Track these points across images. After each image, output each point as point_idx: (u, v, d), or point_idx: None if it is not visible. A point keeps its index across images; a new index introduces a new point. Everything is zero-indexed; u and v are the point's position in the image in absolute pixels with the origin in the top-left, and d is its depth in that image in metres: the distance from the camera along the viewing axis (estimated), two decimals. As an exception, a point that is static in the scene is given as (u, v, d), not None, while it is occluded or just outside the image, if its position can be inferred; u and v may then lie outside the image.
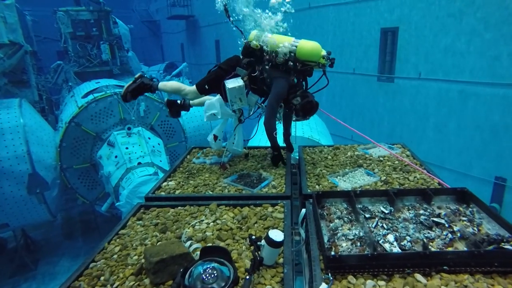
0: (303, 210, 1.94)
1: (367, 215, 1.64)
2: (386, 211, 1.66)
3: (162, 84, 2.72)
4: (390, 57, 8.66)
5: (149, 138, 7.46)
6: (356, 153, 2.78)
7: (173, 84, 2.74)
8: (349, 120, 9.08)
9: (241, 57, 2.63)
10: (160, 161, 7.15)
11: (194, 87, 2.63)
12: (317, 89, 2.55)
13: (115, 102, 7.42)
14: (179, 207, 1.90)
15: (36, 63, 13.76)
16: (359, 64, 9.30)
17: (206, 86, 2.58)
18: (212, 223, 1.72)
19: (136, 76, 2.79)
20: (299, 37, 2.58)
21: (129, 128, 7.25)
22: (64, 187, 7.76)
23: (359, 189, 2.11)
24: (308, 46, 2.40)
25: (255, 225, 1.71)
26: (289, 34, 2.57)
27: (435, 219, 1.54)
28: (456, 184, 2.15)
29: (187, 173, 2.41)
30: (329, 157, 2.72)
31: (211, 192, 2.09)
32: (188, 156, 2.78)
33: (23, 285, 7.29)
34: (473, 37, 6.55)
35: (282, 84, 2.43)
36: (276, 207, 1.88)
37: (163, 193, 2.11)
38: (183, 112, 2.90)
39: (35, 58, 13.11)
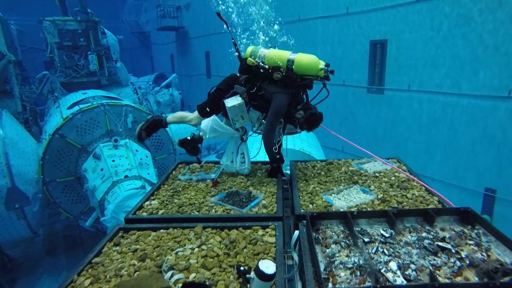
0: (296, 232, 1.80)
1: (366, 239, 1.51)
2: (387, 235, 1.53)
3: (169, 117, 2.84)
4: (380, 69, 8.74)
5: (137, 151, 7.26)
6: (350, 168, 2.67)
7: (177, 114, 2.85)
8: (338, 132, 9.03)
9: (238, 74, 2.63)
10: (148, 174, 6.94)
11: (196, 112, 2.66)
12: (317, 101, 2.53)
13: (102, 113, 7.22)
14: (162, 230, 1.73)
15: (22, 73, 13.42)
16: (349, 76, 9.34)
17: (208, 109, 2.59)
18: (197, 249, 1.56)
19: (148, 118, 2.94)
20: (290, 49, 2.56)
21: (115, 140, 7.04)
22: (46, 202, 7.43)
23: (356, 208, 1.98)
24: (305, 59, 2.38)
25: (244, 250, 1.56)
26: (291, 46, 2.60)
27: (440, 243, 1.42)
28: (447, 195, 2.07)
29: (171, 191, 2.24)
30: (323, 173, 2.60)
31: (196, 213, 1.92)
32: (173, 172, 2.61)
33: (-2, 308, 6.87)
34: (461, 50, 6.65)
35: (281, 99, 2.38)
36: (267, 229, 1.73)
37: (145, 213, 1.93)
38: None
39: (20, 68, 12.79)
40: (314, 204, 2.06)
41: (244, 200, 2.07)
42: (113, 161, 6.71)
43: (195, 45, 18.04)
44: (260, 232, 1.70)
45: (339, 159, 2.91)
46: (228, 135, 2.59)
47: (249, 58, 2.47)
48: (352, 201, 2.11)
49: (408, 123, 8.01)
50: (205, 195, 2.17)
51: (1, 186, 6.44)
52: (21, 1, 18.73)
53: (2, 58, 9.61)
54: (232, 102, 2.45)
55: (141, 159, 7.07)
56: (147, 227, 1.75)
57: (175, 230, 1.72)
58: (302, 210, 1.96)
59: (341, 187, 2.33)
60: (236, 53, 2.61)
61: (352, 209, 1.98)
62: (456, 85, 6.82)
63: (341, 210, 1.97)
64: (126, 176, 6.53)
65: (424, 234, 1.51)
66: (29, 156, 7.11)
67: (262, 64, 2.45)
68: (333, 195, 2.24)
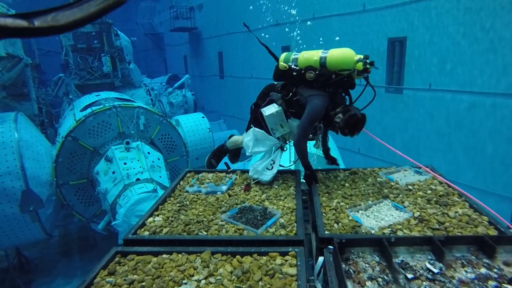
0: (321, 259, 1.54)
1: (409, 275, 1.23)
2: (435, 270, 1.25)
3: (228, 143, 2.90)
4: (399, 67, 8.34)
5: (149, 153, 7.14)
6: (378, 179, 2.37)
7: (232, 139, 2.88)
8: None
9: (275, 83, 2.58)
10: (160, 176, 6.82)
11: (245, 133, 2.65)
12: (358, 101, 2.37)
13: (114, 116, 7.14)
14: (164, 255, 1.50)
15: (40, 76, 13.69)
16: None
17: (252, 125, 2.55)
18: (203, 281, 1.32)
19: (216, 148, 3.02)
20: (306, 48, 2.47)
21: (127, 143, 6.94)
22: (60, 204, 7.42)
23: (389, 230, 1.70)
24: (338, 52, 2.23)
25: (260, 283, 1.31)
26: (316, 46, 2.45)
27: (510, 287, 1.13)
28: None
29: (178, 204, 2.01)
30: (347, 184, 2.31)
31: (205, 233, 1.68)
32: (181, 182, 2.38)
33: (14, 309, 6.91)
34: (484, 47, 6.20)
35: (316, 102, 2.19)
36: (287, 257, 1.47)
37: (147, 232, 1.71)
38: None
39: (38, 71, 13.03)
40: (340, 224, 1.79)
41: (259, 217, 1.82)
42: (125, 163, 6.62)
43: (208, 45, 17.96)
44: (279, 260, 1.45)
45: (365, 168, 2.61)
46: (271, 146, 2.45)
47: (281, 63, 2.38)
48: (384, 220, 1.83)
49: (429, 124, 7.57)
50: (215, 210, 1.93)
51: (15, 188, 6.44)
52: (38, 5, 19.21)
53: (20, 62, 9.73)
54: (269, 110, 2.36)
55: (153, 162, 6.95)
56: (148, 251, 1.52)
57: (179, 255, 1.49)
58: (326, 232, 1.69)
59: (370, 202, 2.04)
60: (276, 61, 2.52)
61: (384, 230, 1.70)
62: (485, 83, 6.36)
63: (372, 231, 1.69)
64: (137, 179, 6.42)
65: (483, 271, 1.22)
66: (43, 158, 7.10)
67: (294, 67, 2.35)
68: (360, 212, 1.96)
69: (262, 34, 12.54)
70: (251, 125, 2.55)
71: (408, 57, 7.94)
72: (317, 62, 2.26)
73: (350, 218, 1.87)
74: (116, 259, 1.50)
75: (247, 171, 2.46)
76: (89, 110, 7.10)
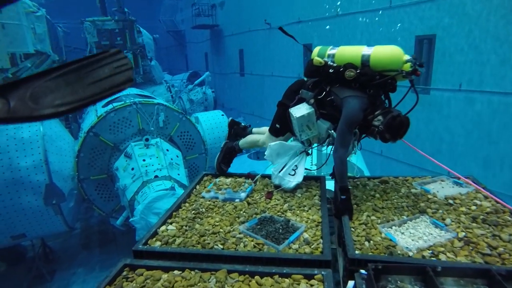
0: (351, 284, 1.36)
1: (461, 316, 1.03)
2: (495, 312, 1.05)
3: (241, 142, 2.65)
4: (426, 66, 7.91)
5: (167, 150, 7.14)
6: (412, 190, 2.14)
7: (248, 139, 2.63)
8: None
9: (305, 79, 2.33)
10: (178, 174, 6.79)
11: (267, 133, 2.43)
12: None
13: (134, 112, 7.17)
14: (176, 271, 1.37)
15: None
16: (392, 74, 8.57)
17: (277, 125, 2.34)
18: (218, 305, 1.18)
19: (222, 145, 2.74)
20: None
21: (147, 139, 6.96)
22: (81, 198, 7.57)
23: (429, 252, 1.48)
24: (385, 50, 1.97)
25: (282, 312, 1.15)
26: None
27: None
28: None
29: (193, 212, 1.88)
30: (377, 195, 2.10)
31: (221, 247, 1.54)
32: (197, 187, 2.25)
33: (39, 297, 7.13)
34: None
35: (354, 104, 1.94)
36: (312, 281, 1.30)
37: (158, 242, 1.59)
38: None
39: (64, 67, 13.40)
40: (372, 242, 1.59)
41: (280, 231, 1.65)
42: (144, 160, 6.64)
43: (229, 43, 17.90)
44: (303, 284, 1.28)
45: (396, 177, 2.38)
46: (293, 153, 2.25)
47: (316, 58, 2.10)
48: (422, 239, 1.61)
49: (459, 127, 7.11)
50: (233, 221, 1.78)
51: (40, 182, 6.60)
52: (69, 5, 19.92)
53: (47, 58, 10.01)
54: (299, 111, 2.12)
55: (171, 159, 6.94)
56: (158, 265, 1.39)
57: (192, 272, 1.35)
58: (357, 251, 1.50)
59: (405, 217, 1.82)
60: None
61: (424, 252, 1.49)
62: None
63: (410, 253, 1.49)
64: (156, 176, 6.42)
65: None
66: (66, 153, 7.24)
67: (332, 63, 2.08)
68: (394, 228, 1.75)
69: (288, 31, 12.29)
70: (276, 125, 2.33)
71: (437, 55, 7.50)
72: (358, 59, 1.99)
73: (383, 235, 1.67)
74: (124, 272, 1.38)
75: (269, 176, 2.30)
76: (110, 106, 7.17)
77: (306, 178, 2.35)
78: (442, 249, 1.50)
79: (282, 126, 2.31)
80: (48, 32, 10.20)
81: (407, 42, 8.03)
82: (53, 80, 0.63)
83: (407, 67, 1.90)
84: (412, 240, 1.64)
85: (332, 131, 2.12)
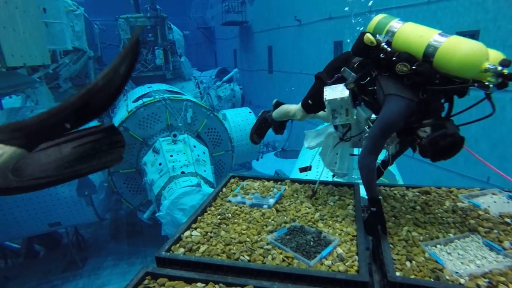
0: (393, 313, 1.19)
1: None
2: None
3: (274, 113, 2.35)
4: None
5: (194, 146, 7.18)
6: (459, 204, 1.91)
7: (281, 108, 2.30)
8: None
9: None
10: (204, 171, 6.81)
11: (299, 105, 2.13)
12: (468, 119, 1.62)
13: (163, 108, 7.28)
14: (199, 284, 1.28)
15: (102, 68, 14.68)
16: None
17: (310, 101, 2.03)
18: (243, 328, 1.07)
19: (259, 115, 2.51)
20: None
21: (174, 135, 7.03)
22: (111, 191, 7.82)
23: (486, 280, 1.28)
24: (460, 49, 1.42)
25: None
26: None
27: None
28: None
29: (219, 217, 1.78)
30: (418, 207, 1.89)
31: (247, 258, 1.43)
32: (224, 189, 2.16)
33: (72, 282, 7.53)
34: None
35: (396, 108, 1.55)
36: (348, 306, 1.16)
37: (182, 249, 1.51)
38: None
39: (100, 63, 14.00)
40: (414, 262, 1.41)
41: (312, 243, 1.51)
42: (171, 156, 6.72)
43: (258, 39, 17.80)
44: (338, 310, 1.15)
45: (438, 187, 2.15)
46: (327, 135, 2.04)
47: (367, 35, 1.67)
48: (474, 263, 1.41)
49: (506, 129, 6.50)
50: (260, 229, 1.66)
51: (74, 173, 6.89)
52: (106, 3, 20.78)
53: (83, 55, 10.43)
54: (332, 93, 1.82)
55: (198, 156, 6.97)
56: (181, 276, 1.31)
57: (217, 286, 1.26)
58: (397, 273, 1.33)
59: (451, 235, 1.62)
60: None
61: (478, 280, 1.29)
62: None
63: (461, 281, 1.30)
64: (182, 172, 6.47)
65: None
66: (98, 146, 7.50)
67: (386, 46, 1.63)
68: (439, 247, 1.55)
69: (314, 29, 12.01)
70: (309, 100, 2.02)
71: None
72: (421, 49, 1.52)
73: (427, 255, 1.48)
74: (146, 281, 1.31)
75: (298, 181, 2.16)
76: (140, 102, 7.32)
77: (338, 185, 2.18)
78: (503, 278, 1.29)
79: (314, 103, 2.00)
80: (85, 29, 10.62)
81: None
82: (42, 151, 0.59)
83: (487, 77, 1.39)
84: (462, 263, 1.44)
85: (372, 123, 1.83)
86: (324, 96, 1.84)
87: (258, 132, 2.43)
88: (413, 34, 1.57)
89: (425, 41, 1.51)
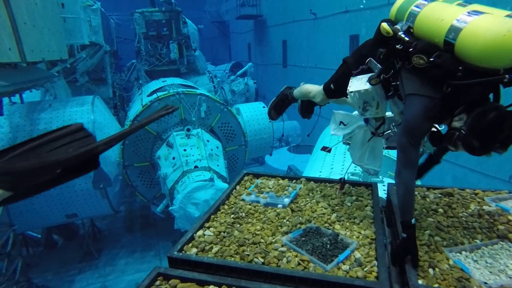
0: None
1: None
2: None
3: (295, 91, 2.21)
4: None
5: (208, 141, 7.18)
6: (485, 207, 1.79)
7: (302, 88, 2.15)
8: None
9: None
10: (218, 165, 6.80)
11: (321, 88, 1.98)
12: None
13: (177, 102, 7.29)
14: (211, 286, 1.23)
15: (118, 62, 14.90)
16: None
17: (332, 86, 1.86)
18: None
19: (281, 90, 2.34)
20: None
21: (188, 130, 7.05)
22: (125, 184, 7.94)
23: (521, 293, 1.19)
24: (486, 33, 1.12)
25: None
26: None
27: None
28: None
29: (232, 216, 1.73)
30: (440, 209, 1.78)
31: (261, 260, 1.37)
32: (237, 187, 2.10)
33: (88, 272, 7.74)
34: None
35: (417, 109, 1.34)
36: (368, 316, 1.09)
37: (194, 249, 1.46)
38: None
39: (116, 57, 14.18)
40: (438, 269, 1.32)
41: (328, 246, 1.44)
42: (185, 150, 6.74)
43: (272, 33, 17.59)
44: (357, 321, 1.08)
45: (462, 189, 2.03)
46: (357, 127, 1.91)
47: (384, 24, 1.50)
48: (505, 273, 1.30)
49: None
50: (275, 230, 1.59)
51: (90, 166, 7.02)
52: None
53: (100, 49, 10.57)
54: (356, 85, 1.66)
55: (211, 150, 6.97)
56: (193, 277, 1.27)
57: (228, 290, 1.21)
58: (420, 281, 1.25)
59: (478, 241, 1.51)
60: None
61: (511, 292, 1.20)
62: None
63: (492, 292, 1.20)
64: (196, 167, 6.48)
65: None
66: (113, 140, 7.60)
67: (404, 35, 1.41)
68: (464, 253, 1.45)
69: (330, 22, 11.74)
70: (331, 85, 1.86)
71: None
72: (441, 35, 1.25)
73: (451, 262, 1.39)
74: (157, 282, 1.27)
75: (314, 180, 2.08)
76: (154, 96, 7.35)
77: (355, 184, 2.10)
78: (538, 291, 1.19)
79: (336, 88, 1.83)
80: (101, 24, 10.75)
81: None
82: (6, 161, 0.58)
83: None
84: (491, 272, 1.33)
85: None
86: (348, 88, 1.70)
87: (277, 108, 2.29)
88: (433, 17, 1.31)
89: (446, 24, 1.23)
